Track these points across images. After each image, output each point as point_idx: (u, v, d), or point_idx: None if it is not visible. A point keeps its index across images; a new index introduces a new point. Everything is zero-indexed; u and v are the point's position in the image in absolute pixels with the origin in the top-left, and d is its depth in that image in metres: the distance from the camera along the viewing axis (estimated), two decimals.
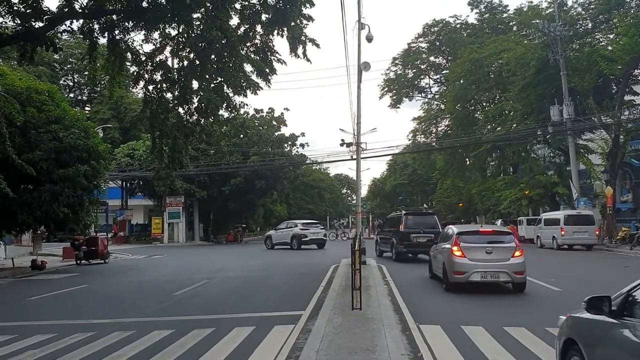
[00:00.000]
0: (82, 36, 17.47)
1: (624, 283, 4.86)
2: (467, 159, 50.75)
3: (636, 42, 27.62)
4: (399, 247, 21.72)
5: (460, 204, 57.39)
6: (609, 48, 31.54)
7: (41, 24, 15.17)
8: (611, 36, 32.89)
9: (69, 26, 16.59)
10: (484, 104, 48.94)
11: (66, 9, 15.11)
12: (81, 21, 16.15)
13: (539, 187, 37.12)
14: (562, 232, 27.99)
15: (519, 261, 12.65)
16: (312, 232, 34.14)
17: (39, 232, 29.03)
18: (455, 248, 12.83)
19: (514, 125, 40.06)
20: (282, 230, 35.50)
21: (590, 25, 34.31)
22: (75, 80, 58.56)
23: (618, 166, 32.27)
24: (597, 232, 29.11)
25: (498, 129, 43.42)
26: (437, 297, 12.51)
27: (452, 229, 14.07)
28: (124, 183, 47.28)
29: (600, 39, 34.40)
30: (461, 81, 46.47)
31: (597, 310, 4.49)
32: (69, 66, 56.73)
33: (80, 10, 15.34)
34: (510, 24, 49.38)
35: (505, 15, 51.54)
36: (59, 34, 17.85)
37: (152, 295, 14.52)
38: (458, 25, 54.31)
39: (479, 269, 12.48)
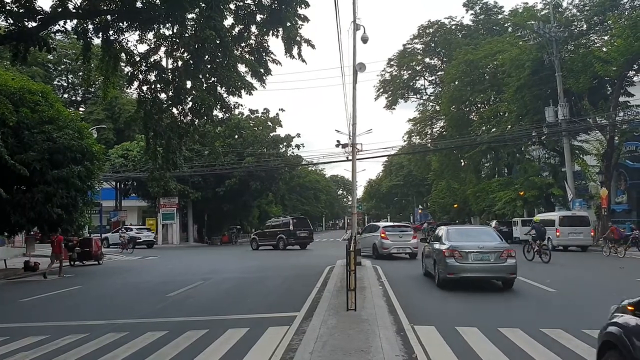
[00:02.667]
0: (76, 36, 17.36)
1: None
2: (462, 160, 50.84)
3: (630, 44, 27.70)
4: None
5: (455, 205, 57.44)
6: (604, 49, 31.60)
7: (34, 24, 15.10)
8: (606, 38, 32.99)
9: (62, 26, 16.55)
10: (479, 105, 49.05)
11: (60, 9, 15.04)
12: (75, 21, 16.08)
13: (533, 188, 37.18)
14: (557, 234, 28.04)
15: (415, 242, 23.90)
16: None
17: (32, 233, 28.86)
18: (383, 235, 23.77)
19: (509, 126, 40.16)
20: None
21: (585, 26, 34.41)
22: (69, 80, 58.28)
23: (613, 167, 32.36)
24: (592, 234, 29.18)
25: (493, 130, 43.54)
26: (432, 298, 12.50)
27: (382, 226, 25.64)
28: (118, 184, 47.13)
29: (595, 41, 34.49)
30: (456, 82, 46.56)
31: None
32: (62, 66, 56.44)
33: (74, 11, 15.28)
34: (506, 25, 49.48)
35: (500, 16, 51.66)
36: (53, 34, 17.79)
37: (146, 296, 14.46)
38: (453, 27, 54.46)
39: (395, 246, 23.52)
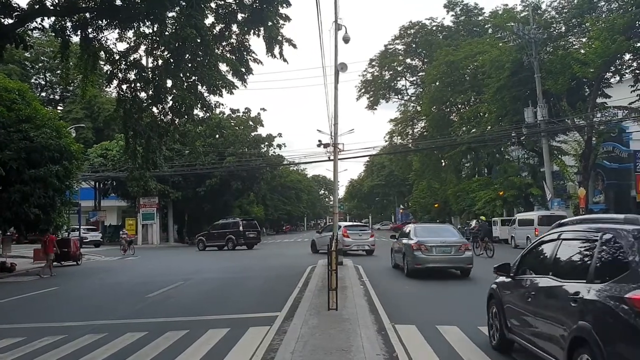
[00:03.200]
0: (54, 34, 17.14)
1: None
2: (442, 161, 51.22)
3: (607, 46, 28.11)
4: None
5: (436, 205, 57.84)
6: (582, 51, 32.03)
7: (11, 21, 14.87)
8: (584, 40, 33.44)
9: (40, 23, 16.30)
10: (460, 105, 49.44)
11: (37, 6, 14.83)
12: (53, 19, 15.87)
13: (513, 188, 37.58)
14: (536, 233, 28.35)
15: (372, 240, 26.89)
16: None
17: (8, 233, 28.37)
18: (344, 233, 25.18)
19: (489, 127, 40.51)
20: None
21: (563, 28, 34.85)
22: (47, 78, 57.48)
23: (590, 168, 32.80)
24: None
25: (473, 130, 43.89)
26: (413, 298, 12.56)
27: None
28: (97, 184, 46.61)
29: (574, 43, 34.95)
30: (437, 83, 46.87)
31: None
32: (40, 64, 55.67)
33: (51, 8, 15.07)
34: (486, 26, 49.94)
35: (480, 18, 52.13)
36: (30, 32, 17.50)
37: (125, 297, 14.30)
38: (434, 28, 54.83)
39: (355, 244, 25.61)
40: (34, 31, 18.39)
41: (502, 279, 7.18)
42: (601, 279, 4.81)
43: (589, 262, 5.18)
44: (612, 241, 4.95)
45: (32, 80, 54.08)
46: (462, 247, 15.59)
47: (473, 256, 15.76)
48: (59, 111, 48.88)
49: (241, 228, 35.06)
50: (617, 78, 33.11)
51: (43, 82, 57.78)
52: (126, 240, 33.37)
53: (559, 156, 36.12)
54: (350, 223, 34.17)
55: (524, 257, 6.84)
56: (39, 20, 15.97)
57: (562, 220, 6.46)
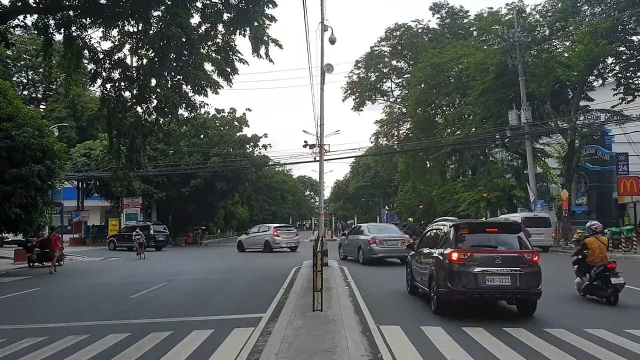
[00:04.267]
0: (36, 32, 16.92)
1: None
2: (427, 162, 51.36)
3: (591, 50, 28.42)
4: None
5: (421, 206, 58.01)
6: (566, 55, 32.31)
7: None
8: (567, 43, 33.75)
9: (22, 21, 16.12)
10: (444, 108, 49.63)
11: (19, 3, 14.66)
12: (35, 16, 15.67)
13: (497, 189, 37.81)
14: None
15: (297, 238, 32.20)
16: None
17: None
18: (275, 234, 30.89)
19: (473, 129, 40.72)
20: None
21: (547, 32, 35.12)
22: (30, 77, 56.75)
23: (573, 170, 33.15)
24: (553, 234, 29.87)
25: (457, 132, 44.09)
26: (397, 299, 12.59)
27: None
28: (80, 183, 46.11)
29: (557, 46, 35.26)
30: (422, 85, 47.02)
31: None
32: (22, 62, 54.93)
33: (34, 5, 14.92)
34: (471, 29, 50.19)
35: (465, 20, 52.38)
36: (12, 29, 17.30)
37: (108, 298, 14.15)
38: (420, 30, 54.96)
39: (284, 242, 31.06)
40: (16, 29, 18.20)
41: (412, 252, 12.86)
42: (442, 247, 10.29)
43: (437, 239, 11.04)
44: (443, 229, 10.98)
45: (14, 79, 53.32)
46: (405, 241, 20.57)
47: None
48: (42, 110, 48.33)
49: (152, 231, 36.44)
50: (600, 81, 33.44)
51: (25, 81, 57.04)
52: (139, 242, 29.46)
53: (543, 158, 36.45)
54: (279, 224, 37.31)
55: (420, 240, 12.74)
56: (21, 17, 15.79)
57: (434, 220, 13.29)
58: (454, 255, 9.61)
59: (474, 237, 10.14)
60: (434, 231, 11.75)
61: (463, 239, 9.97)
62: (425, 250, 11.32)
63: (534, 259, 9.80)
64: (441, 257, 9.96)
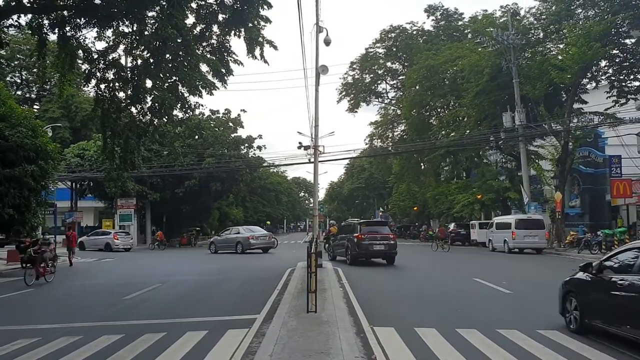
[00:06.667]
0: (30, 32, 16.84)
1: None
2: (421, 164, 51.50)
3: (584, 53, 28.55)
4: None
5: (415, 208, 58.15)
6: (559, 57, 32.45)
7: None
8: (561, 46, 33.89)
9: (16, 21, 16.02)
10: (439, 109, 49.81)
11: (13, 3, 14.59)
12: (29, 16, 15.59)
13: (491, 191, 37.95)
14: (513, 236, 28.72)
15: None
16: None
17: None
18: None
19: (468, 131, 40.87)
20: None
21: (541, 34, 35.28)
22: (23, 77, 56.42)
23: (567, 172, 33.27)
24: (546, 236, 30.00)
25: (452, 134, 44.26)
26: (391, 300, 12.60)
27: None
28: (74, 184, 45.84)
29: (551, 49, 35.41)
30: (417, 87, 47.15)
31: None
32: (16, 62, 54.56)
33: (28, 5, 14.85)
34: (465, 31, 50.38)
35: (460, 23, 52.57)
36: (5, 29, 17.20)
37: (102, 299, 14.11)
38: (414, 32, 55.11)
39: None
40: (10, 28, 18.09)
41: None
42: (352, 233, 22.25)
43: (350, 228, 23.27)
44: (353, 224, 23.80)
45: (8, 79, 52.99)
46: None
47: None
48: (35, 110, 48.02)
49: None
50: (594, 84, 33.63)
51: (19, 81, 56.72)
52: (157, 240, 31.96)
53: (536, 160, 36.59)
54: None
55: (340, 230, 26.08)
56: (15, 17, 15.69)
57: (347, 220, 22.03)
58: (360, 236, 21.15)
59: (367, 227, 21.96)
60: (350, 225, 24.04)
61: (362, 228, 21.56)
62: (342, 235, 23.50)
63: (394, 237, 22.38)
64: (353, 238, 21.53)
